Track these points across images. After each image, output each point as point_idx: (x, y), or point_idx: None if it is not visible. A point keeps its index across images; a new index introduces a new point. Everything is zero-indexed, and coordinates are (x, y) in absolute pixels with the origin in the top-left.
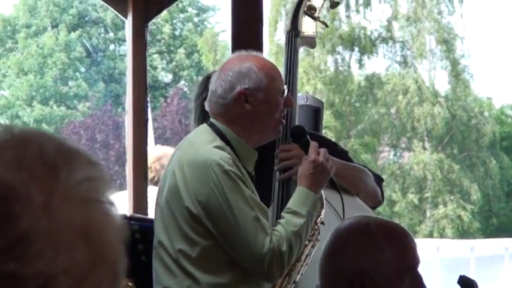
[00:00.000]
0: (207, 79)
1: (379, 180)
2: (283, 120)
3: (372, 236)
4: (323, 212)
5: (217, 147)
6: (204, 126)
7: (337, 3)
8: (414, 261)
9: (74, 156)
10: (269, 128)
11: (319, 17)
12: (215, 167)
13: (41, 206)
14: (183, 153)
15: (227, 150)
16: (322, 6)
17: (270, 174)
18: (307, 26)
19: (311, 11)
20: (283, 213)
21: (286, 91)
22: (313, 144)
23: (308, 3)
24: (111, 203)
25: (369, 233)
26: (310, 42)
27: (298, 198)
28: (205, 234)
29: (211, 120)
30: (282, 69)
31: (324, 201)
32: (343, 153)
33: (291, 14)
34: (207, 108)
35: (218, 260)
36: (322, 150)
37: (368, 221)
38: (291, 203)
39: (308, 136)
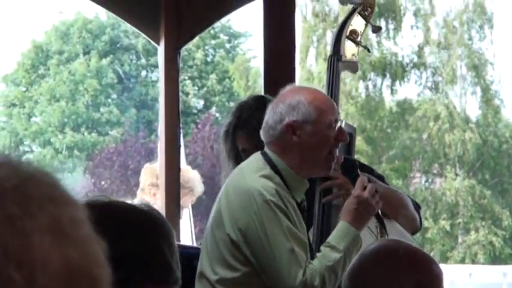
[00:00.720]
0: (240, 108)
1: (417, 206)
2: (335, 156)
3: (398, 266)
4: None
5: (264, 176)
6: (257, 154)
7: (379, 28)
8: None
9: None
10: (319, 162)
11: (361, 42)
12: (257, 196)
13: (22, 281)
14: (231, 180)
15: (275, 180)
16: (364, 31)
17: (312, 199)
18: (349, 50)
19: (353, 36)
20: (322, 247)
21: (339, 125)
22: (361, 179)
23: (350, 27)
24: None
25: (395, 263)
26: (352, 66)
27: (338, 233)
28: (244, 261)
29: (265, 149)
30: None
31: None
32: (379, 178)
33: (333, 38)
34: (262, 136)
35: (255, 287)
36: (369, 186)
37: (396, 249)
38: (331, 237)
39: (358, 170)
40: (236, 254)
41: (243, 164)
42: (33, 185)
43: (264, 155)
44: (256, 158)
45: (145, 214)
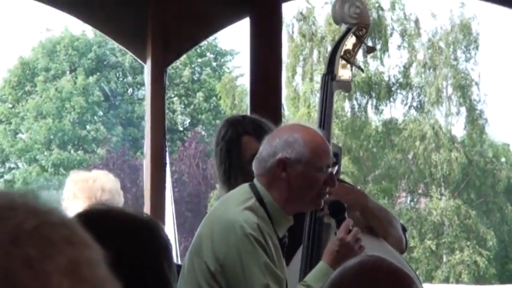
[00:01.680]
0: (227, 123)
1: (403, 228)
2: (323, 196)
3: (377, 282)
4: None
5: (248, 208)
6: (245, 185)
7: (373, 49)
8: None
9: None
10: (305, 201)
11: (355, 62)
12: (238, 229)
13: None
14: (216, 209)
15: (259, 213)
16: (357, 50)
17: (302, 217)
18: (343, 70)
19: (347, 55)
20: (298, 284)
21: (331, 170)
22: (346, 222)
23: (344, 47)
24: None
25: (376, 277)
26: (346, 86)
27: (316, 272)
28: None
29: (254, 180)
30: (315, 112)
31: None
32: None
33: (327, 57)
34: (253, 167)
35: None
36: (354, 230)
37: (379, 266)
38: (308, 276)
39: (346, 214)
40: (211, 283)
41: (229, 194)
42: (51, 227)
43: (252, 186)
44: (243, 188)
45: (145, 224)
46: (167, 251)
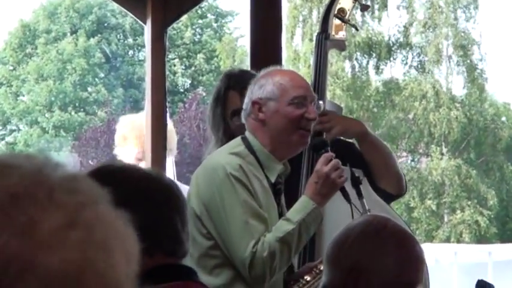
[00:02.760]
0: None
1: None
2: (304, 132)
3: (383, 240)
4: None
5: (234, 153)
6: (238, 138)
7: (367, 6)
8: (416, 277)
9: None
10: (289, 139)
11: (349, 20)
12: (220, 170)
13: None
14: (205, 160)
15: (247, 158)
16: (352, 9)
17: (296, 184)
18: (338, 28)
19: (341, 14)
20: (280, 221)
21: (310, 103)
22: (324, 155)
23: (338, 6)
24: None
25: (381, 235)
26: (340, 45)
27: (296, 206)
28: (206, 234)
29: (246, 132)
30: (311, 72)
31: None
32: (359, 153)
33: (321, 16)
34: (242, 118)
35: (216, 261)
36: (332, 162)
37: (385, 224)
38: (289, 211)
39: (328, 148)
40: (200, 227)
41: (222, 147)
42: (63, 192)
43: (243, 138)
44: (235, 140)
45: (159, 183)
46: (180, 208)
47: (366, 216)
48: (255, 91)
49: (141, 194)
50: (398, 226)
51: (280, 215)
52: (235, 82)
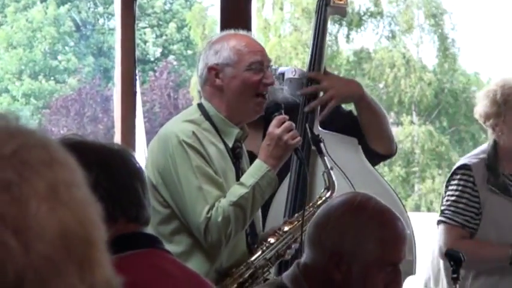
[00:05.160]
0: None
1: None
2: (261, 98)
3: (362, 222)
4: (328, 194)
5: (188, 120)
6: (194, 105)
7: None
8: (397, 258)
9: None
10: (245, 105)
11: None
12: (172, 138)
13: (19, 247)
14: (160, 129)
15: (202, 125)
16: None
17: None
18: None
19: None
20: (233, 186)
21: (266, 69)
22: (276, 118)
23: None
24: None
25: (360, 218)
26: (341, 11)
27: (249, 170)
28: (163, 203)
29: (201, 99)
30: (309, 38)
31: (335, 185)
32: (346, 113)
33: None
34: (197, 86)
35: (174, 228)
36: (285, 124)
37: (365, 205)
38: (243, 176)
39: (282, 111)
40: (157, 196)
41: (179, 114)
42: (29, 150)
43: (199, 104)
44: (191, 108)
45: (117, 152)
46: (140, 175)
47: (348, 195)
48: (210, 57)
49: (102, 163)
50: (379, 205)
51: (240, 178)
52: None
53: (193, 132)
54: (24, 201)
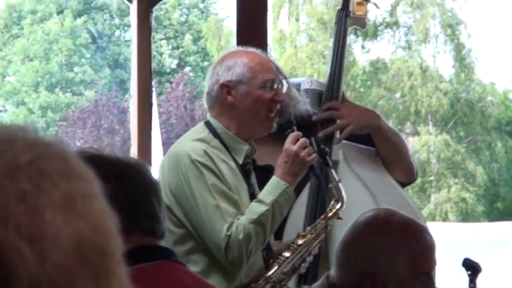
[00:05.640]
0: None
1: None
2: (273, 115)
3: (390, 239)
4: (338, 206)
5: (198, 139)
6: (200, 123)
7: None
8: (429, 266)
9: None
10: (257, 122)
11: None
12: (184, 158)
13: (33, 256)
14: (170, 148)
15: (211, 143)
16: None
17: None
18: (358, 6)
19: None
20: (252, 203)
21: (278, 86)
22: (291, 135)
23: None
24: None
25: (388, 235)
26: (361, 22)
27: (267, 187)
28: (177, 223)
29: (207, 115)
30: (330, 49)
31: (343, 197)
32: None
33: None
34: (204, 103)
35: (190, 249)
36: (301, 140)
37: (389, 220)
38: (261, 193)
39: (294, 128)
40: (171, 217)
41: (185, 134)
42: (46, 160)
43: (206, 122)
44: (198, 125)
45: (133, 166)
46: (156, 189)
47: (370, 213)
48: (222, 73)
49: (118, 177)
50: (404, 218)
51: (252, 195)
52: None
53: (205, 151)
54: (39, 211)
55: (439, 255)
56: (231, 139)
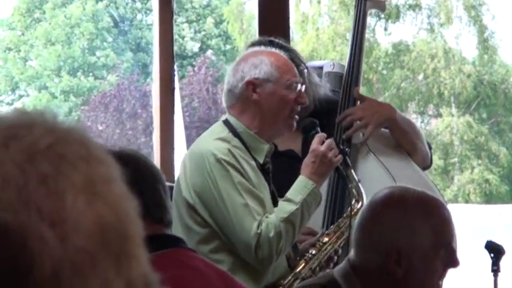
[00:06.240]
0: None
1: (428, 146)
2: (296, 116)
3: (409, 213)
4: (359, 206)
5: (219, 138)
6: (219, 122)
7: None
8: (449, 236)
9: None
10: (279, 122)
11: None
12: (209, 157)
13: (55, 240)
14: (187, 152)
15: (232, 142)
16: None
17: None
18: None
19: None
20: (279, 201)
21: (300, 88)
22: (318, 135)
23: None
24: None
25: (406, 210)
26: (380, 5)
27: (295, 186)
28: (202, 222)
29: (226, 115)
30: (349, 33)
31: (364, 197)
32: None
33: None
34: (223, 101)
35: (214, 248)
36: (328, 141)
37: (405, 196)
38: (289, 191)
39: (318, 129)
40: (195, 216)
41: (204, 133)
42: (66, 145)
43: (225, 121)
44: (217, 124)
45: (139, 156)
46: (160, 178)
47: (384, 192)
48: (248, 70)
49: (124, 167)
50: (418, 192)
51: (272, 193)
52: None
53: (229, 149)
54: (60, 194)
55: (462, 237)
56: (251, 138)
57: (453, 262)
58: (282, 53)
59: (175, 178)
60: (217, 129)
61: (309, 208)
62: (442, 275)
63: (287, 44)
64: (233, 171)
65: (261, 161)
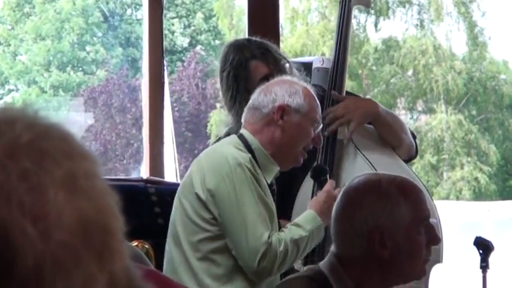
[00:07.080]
0: (233, 47)
1: (412, 135)
2: (305, 153)
3: (385, 193)
4: None
5: (240, 149)
6: (233, 135)
7: None
8: (427, 212)
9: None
10: (292, 153)
11: None
12: (231, 159)
13: (37, 235)
14: (203, 153)
15: (249, 155)
16: None
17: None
18: None
19: None
20: (288, 225)
21: (319, 128)
22: (330, 181)
23: None
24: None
25: (382, 190)
26: (365, 2)
27: (305, 217)
28: (211, 220)
29: (241, 130)
30: (334, 28)
31: None
32: None
33: None
34: (243, 116)
35: (216, 248)
36: (337, 189)
37: (378, 178)
38: (297, 219)
39: (328, 176)
40: (202, 213)
41: (219, 142)
42: (47, 140)
43: (240, 136)
44: (231, 137)
45: None
46: None
47: (357, 179)
48: (281, 95)
49: None
50: (389, 175)
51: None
52: (258, 52)
53: (250, 159)
54: (42, 189)
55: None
56: (264, 157)
57: (434, 239)
58: (312, 90)
59: (174, 175)
60: (235, 140)
61: (312, 240)
62: (427, 254)
63: (265, 41)
64: (253, 178)
65: (269, 181)
